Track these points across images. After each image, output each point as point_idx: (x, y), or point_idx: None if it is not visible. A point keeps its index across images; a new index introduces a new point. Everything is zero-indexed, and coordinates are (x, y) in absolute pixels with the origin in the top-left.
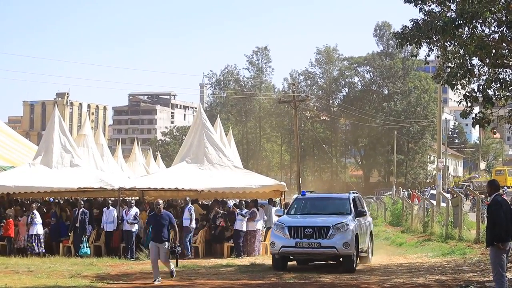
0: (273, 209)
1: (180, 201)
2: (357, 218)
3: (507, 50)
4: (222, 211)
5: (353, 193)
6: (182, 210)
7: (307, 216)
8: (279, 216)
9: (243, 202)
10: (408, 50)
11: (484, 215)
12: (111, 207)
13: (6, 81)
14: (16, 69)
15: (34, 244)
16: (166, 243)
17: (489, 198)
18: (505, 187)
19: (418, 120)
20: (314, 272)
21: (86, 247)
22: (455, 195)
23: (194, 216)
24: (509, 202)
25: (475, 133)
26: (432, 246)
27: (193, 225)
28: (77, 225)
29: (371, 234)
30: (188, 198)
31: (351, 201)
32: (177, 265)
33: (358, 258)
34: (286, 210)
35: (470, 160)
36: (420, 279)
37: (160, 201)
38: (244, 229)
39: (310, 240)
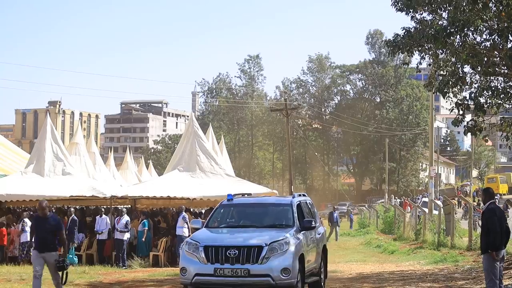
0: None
1: (172, 209)
2: (303, 232)
3: (498, 58)
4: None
5: (301, 195)
6: (175, 219)
7: (233, 231)
8: (196, 229)
9: None
10: (400, 58)
11: (477, 222)
12: (103, 215)
13: None
14: (8, 77)
15: (25, 252)
16: (54, 253)
17: (482, 205)
18: (498, 195)
19: (410, 128)
20: None
21: (73, 255)
22: (447, 203)
23: (189, 225)
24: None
25: (467, 141)
26: (424, 253)
27: (187, 233)
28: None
29: (324, 250)
30: (183, 206)
31: (295, 208)
32: (65, 282)
33: (306, 286)
34: (206, 221)
35: (462, 167)
36: (413, 286)
37: (44, 202)
38: None
39: (234, 265)
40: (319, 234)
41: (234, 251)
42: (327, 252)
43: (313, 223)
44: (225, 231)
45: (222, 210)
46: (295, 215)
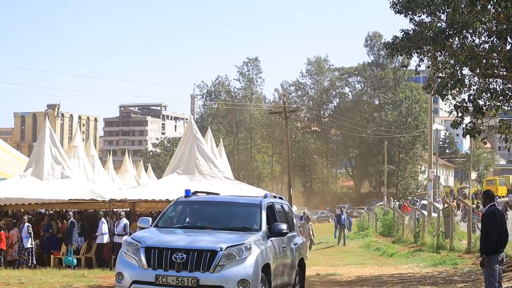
0: None
1: None
2: (272, 239)
3: (497, 60)
4: None
5: (276, 197)
6: None
7: (186, 232)
8: (142, 228)
9: None
10: (399, 61)
11: (476, 225)
12: (102, 219)
13: None
14: (7, 81)
15: (25, 256)
16: None
17: (482, 208)
18: (497, 197)
19: (409, 131)
20: None
21: (72, 257)
22: (446, 205)
23: None
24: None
25: (466, 143)
26: (423, 256)
27: None
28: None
29: (301, 264)
30: None
31: (264, 210)
32: None
33: None
34: (156, 220)
35: (461, 170)
36: None
37: None
38: None
39: (181, 273)
40: (295, 245)
41: (182, 254)
42: (305, 268)
43: (284, 228)
44: (175, 232)
45: (177, 208)
46: (263, 218)
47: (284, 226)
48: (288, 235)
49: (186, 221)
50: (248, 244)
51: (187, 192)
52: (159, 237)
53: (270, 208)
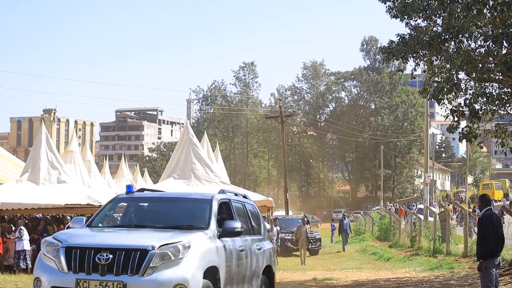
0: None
1: None
2: (224, 239)
3: (493, 64)
4: None
5: (237, 195)
6: None
7: (119, 230)
8: (77, 227)
9: None
10: (395, 65)
11: (472, 229)
12: None
13: None
14: (3, 86)
15: (17, 259)
16: None
17: (478, 212)
18: (493, 201)
19: (405, 135)
20: None
21: None
22: (442, 209)
23: None
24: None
25: (462, 147)
26: (420, 260)
27: None
28: None
29: (268, 272)
30: None
31: (216, 207)
32: None
33: None
34: (89, 219)
35: (457, 174)
36: None
37: None
38: None
39: (105, 276)
40: (259, 249)
41: (107, 255)
42: (273, 277)
43: (237, 226)
44: (106, 230)
45: (116, 206)
46: (213, 215)
47: (237, 225)
48: (252, 237)
49: (125, 219)
50: (187, 242)
51: (129, 188)
52: (84, 236)
53: (226, 206)
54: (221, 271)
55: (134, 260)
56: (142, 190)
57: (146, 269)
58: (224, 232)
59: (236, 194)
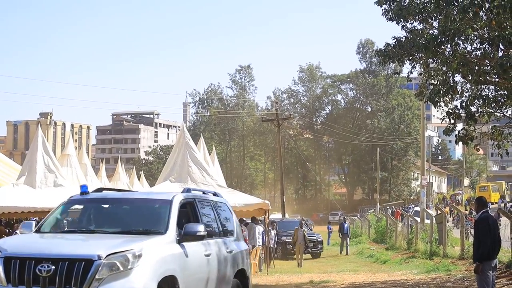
0: (257, 228)
1: None
2: (184, 244)
3: (489, 67)
4: None
5: (206, 193)
6: None
7: (68, 237)
8: (25, 233)
9: None
10: (391, 68)
11: (469, 231)
12: None
13: None
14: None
15: None
16: None
17: (474, 214)
18: (489, 203)
19: (402, 137)
20: None
21: None
22: (439, 212)
23: None
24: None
25: (458, 150)
26: (417, 263)
27: None
28: None
29: (241, 276)
30: None
31: (176, 209)
32: None
33: None
34: (39, 224)
35: (454, 176)
36: None
37: None
38: None
39: None
40: (229, 252)
41: (48, 265)
42: (247, 282)
43: (200, 230)
44: (53, 237)
45: (68, 208)
46: (172, 217)
47: (199, 228)
48: (222, 239)
49: (78, 223)
50: (138, 250)
51: (83, 188)
52: (26, 244)
53: (190, 206)
54: (180, 280)
55: (78, 272)
56: (100, 190)
57: (91, 281)
58: (185, 237)
59: (204, 193)
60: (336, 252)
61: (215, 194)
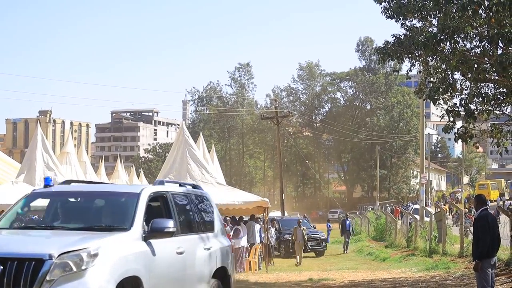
0: (256, 226)
1: None
2: (152, 241)
3: (488, 65)
4: None
5: (183, 185)
6: None
7: (26, 233)
8: None
9: (228, 219)
10: (391, 66)
11: (468, 229)
12: None
13: None
14: None
15: None
16: None
17: (474, 212)
18: (488, 201)
19: (401, 135)
20: None
21: None
22: (438, 210)
23: None
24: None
25: (458, 148)
26: (416, 260)
27: None
28: None
29: (221, 274)
30: None
31: (144, 203)
32: None
33: None
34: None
35: (453, 174)
36: None
37: None
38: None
39: None
40: (207, 249)
41: None
42: (229, 280)
43: (169, 226)
44: (9, 233)
45: (29, 202)
46: (139, 212)
47: (168, 224)
48: (199, 235)
49: (41, 218)
50: (94, 249)
51: (46, 181)
52: None
53: (163, 200)
54: (144, 281)
55: (27, 272)
56: (68, 182)
57: (41, 283)
58: (152, 233)
59: (181, 185)
60: (336, 250)
61: (194, 187)
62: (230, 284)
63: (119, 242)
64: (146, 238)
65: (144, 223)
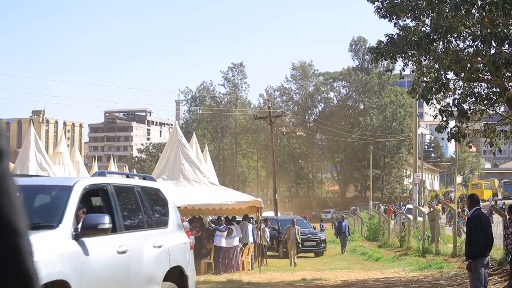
0: (249, 225)
1: None
2: (84, 239)
3: (481, 64)
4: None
5: (131, 177)
6: None
7: None
8: None
9: (222, 218)
10: (384, 65)
11: (461, 229)
12: None
13: None
14: None
15: None
16: None
17: (467, 212)
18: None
19: (394, 135)
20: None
21: None
22: (431, 209)
23: None
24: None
25: (451, 147)
26: (409, 260)
27: None
28: None
29: (179, 275)
30: None
31: (76, 197)
32: None
33: None
34: None
35: (446, 174)
36: None
37: None
38: (224, 245)
39: None
40: (157, 247)
41: None
42: (187, 282)
43: (102, 222)
44: None
45: None
46: (70, 208)
47: (102, 219)
48: (148, 232)
49: None
50: None
51: None
52: None
53: (103, 193)
54: (74, 286)
55: None
56: None
57: None
58: (84, 231)
59: (128, 176)
60: (330, 251)
61: (145, 178)
62: (188, 286)
63: (43, 241)
64: (78, 236)
65: (76, 219)
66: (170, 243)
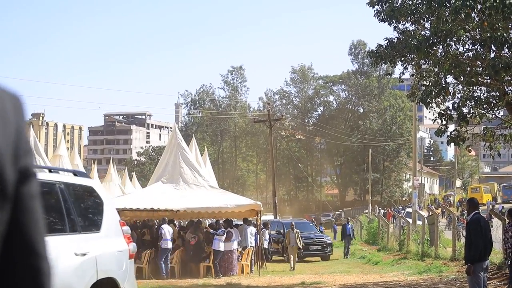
0: (249, 229)
1: (156, 221)
2: None
3: (481, 68)
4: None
5: (52, 171)
6: (158, 230)
7: None
8: None
9: (221, 222)
10: (383, 69)
11: (461, 233)
12: None
13: None
14: None
15: None
16: None
17: (466, 216)
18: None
19: (394, 139)
20: None
21: None
22: (431, 213)
23: (171, 236)
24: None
25: (450, 151)
26: (409, 264)
27: (169, 245)
28: None
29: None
30: (165, 218)
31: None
32: None
33: None
34: None
35: (446, 177)
36: None
37: None
38: (222, 249)
39: None
40: (81, 254)
41: None
42: None
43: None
44: None
45: None
46: None
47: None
48: (70, 236)
49: None
50: None
51: None
52: None
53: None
54: None
55: None
56: None
57: None
58: None
59: (51, 171)
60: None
61: (76, 174)
62: None
63: None
64: None
65: None
66: (99, 250)
